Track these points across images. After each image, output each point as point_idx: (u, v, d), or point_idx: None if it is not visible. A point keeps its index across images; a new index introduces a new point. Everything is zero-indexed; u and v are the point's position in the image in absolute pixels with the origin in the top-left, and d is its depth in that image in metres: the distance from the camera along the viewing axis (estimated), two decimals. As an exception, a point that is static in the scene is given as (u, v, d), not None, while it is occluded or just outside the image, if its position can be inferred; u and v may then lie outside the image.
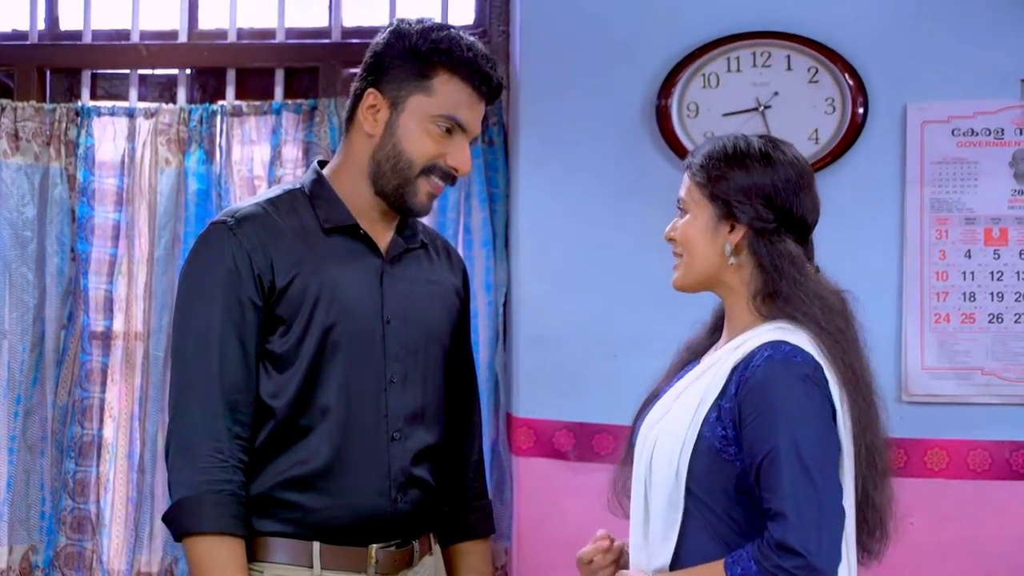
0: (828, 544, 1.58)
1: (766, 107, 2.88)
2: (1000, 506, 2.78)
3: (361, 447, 1.89)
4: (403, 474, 1.92)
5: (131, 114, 3.22)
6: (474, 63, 1.91)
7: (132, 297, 3.19)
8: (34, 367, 3.16)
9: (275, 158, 3.15)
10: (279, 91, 3.27)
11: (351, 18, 3.31)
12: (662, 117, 2.92)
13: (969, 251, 2.82)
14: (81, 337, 3.17)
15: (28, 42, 3.35)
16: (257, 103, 3.20)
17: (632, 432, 1.89)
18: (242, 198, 3.15)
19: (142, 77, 3.35)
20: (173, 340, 1.92)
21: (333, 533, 1.88)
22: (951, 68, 2.84)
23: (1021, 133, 2.82)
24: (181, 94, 3.31)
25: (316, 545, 1.87)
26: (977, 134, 2.82)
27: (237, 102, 3.23)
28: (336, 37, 3.28)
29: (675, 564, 1.69)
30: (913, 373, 2.82)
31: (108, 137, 3.22)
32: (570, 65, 2.99)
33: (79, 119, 3.21)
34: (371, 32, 3.25)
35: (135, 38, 3.32)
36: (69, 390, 3.18)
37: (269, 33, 3.31)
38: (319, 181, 1.98)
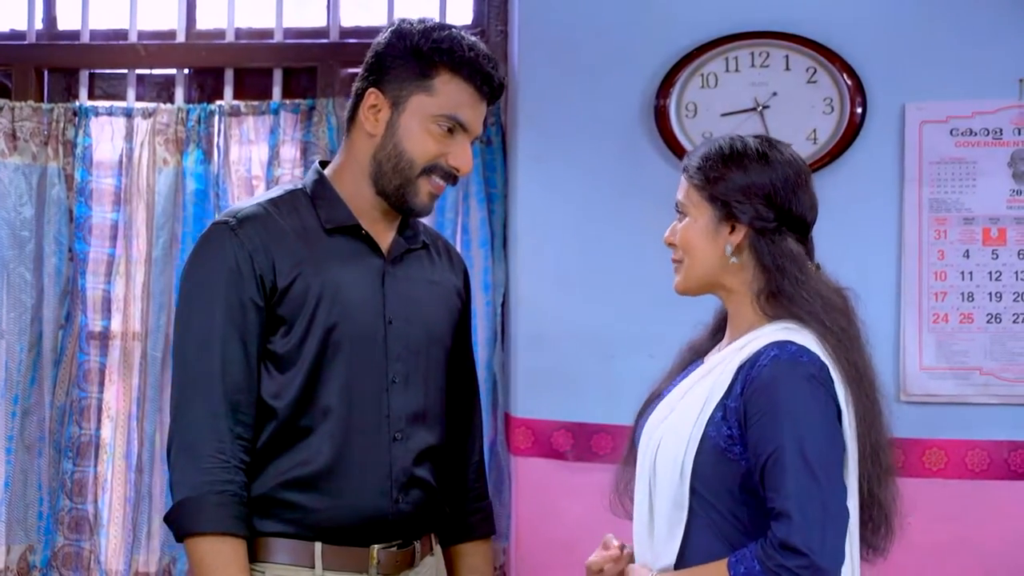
0: (831, 544, 1.58)
1: (764, 107, 2.88)
2: (998, 506, 2.78)
3: (363, 447, 1.89)
4: (405, 474, 1.92)
5: (129, 114, 3.21)
6: (475, 63, 1.90)
7: (130, 297, 3.19)
8: (32, 367, 3.16)
9: (273, 158, 3.15)
10: (277, 91, 3.27)
11: (349, 18, 3.31)
12: (660, 117, 2.92)
13: (967, 251, 2.83)
14: (79, 337, 3.17)
15: (26, 42, 3.35)
16: (255, 103, 3.20)
17: (634, 432, 1.89)
18: (240, 198, 3.15)
19: (140, 77, 3.35)
20: (174, 340, 1.92)
21: (335, 533, 1.88)
22: (949, 68, 2.84)
23: (1019, 133, 2.82)
24: (179, 94, 3.30)
25: (318, 546, 1.87)
26: (975, 134, 2.82)
27: (235, 102, 3.23)
28: (334, 37, 3.28)
29: (680, 563, 1.69)
30: (911, 373, 2.82)
31: (106, 137, 3.22)
32: (568, 65, 2.99)
33: (77, 119, 3.21)
34: (369, 32, 3.28)
35: (133, 38, 3.32)
36: (67, 390, 3.18)
37: (267, 33, 3.31)
38: (321, 181, 1.98)
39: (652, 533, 1.74)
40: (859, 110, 2.84)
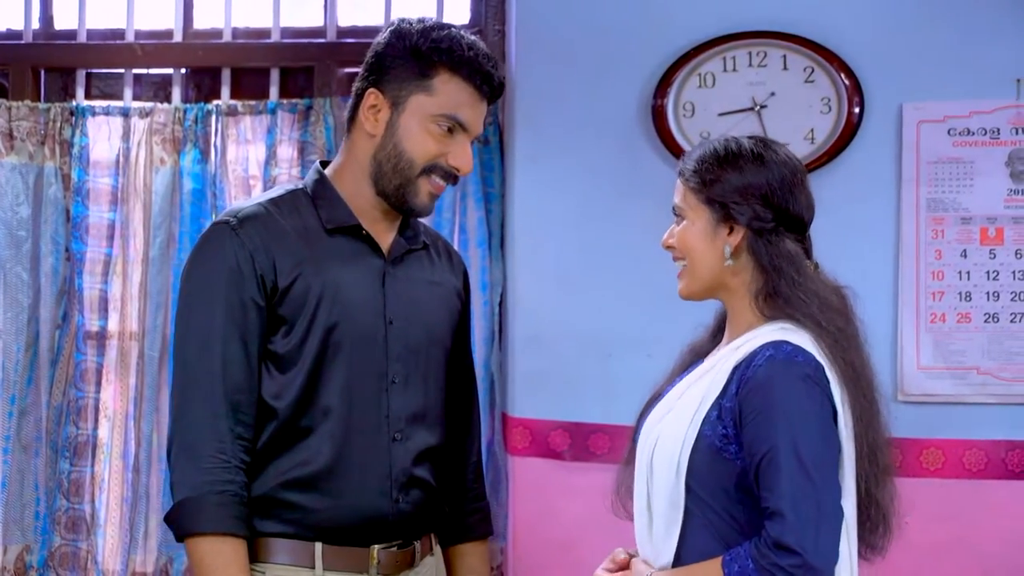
0: (825, 543, 1.59)
1: (762, 107, 2.88)
2: (996, 505, 2.78)
3: (363, 448, 1.89)
4: (404, 475, 1.92)
5: (126, 113, 3.21)
6: (475, 62, 1.90)
7: (127, 297, 3.18)
8: (29, 367, 3.16)
9: (270, 158, 3.15)
10: (274, 91, 3.27)
11: (346, 18, 3.31)
12: (658, 117, 2.92)
13: (965, 251, 2.83)
14: (76, 337, 3.16)
15: (23, 41, 3.34)
16: (252, 103, 3.20)
17: (635, 432, 1.89)
18: (237, 198, 3.14)
19: (137, 76, 3.34)
20: (174, 340, 1.92)
21: (335, 534, 1.88)
22: (947, 68, 2.84)
23: (1017, 133, 2.82)
24: (176, 93, 3.30)
25: (318, 546, 1.87)
26: (973, 134, 2.83)
27: (232, 102, 3.22)
28: (331, 37, 3.28)
29: (677, 562, 1.70)
30: (909, 373, 2.82)
31: (103, 136, 3.22)
32: (566, 65, 2.99)
33: (74, 118, 3.21)
34: (366, 32, 3.29)
35: (130, 37, 3.32)
36: (64, 390, 3.17)
37: (264, 33, 3.31)
38: (321, 181, 1.97)
39: (651, 531, 1.75)
40: (857, 110, 2.84)
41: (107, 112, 3.22)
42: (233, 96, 3.27)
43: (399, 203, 1.94)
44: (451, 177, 1.95)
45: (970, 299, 2.82)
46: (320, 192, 1.96)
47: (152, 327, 3.13)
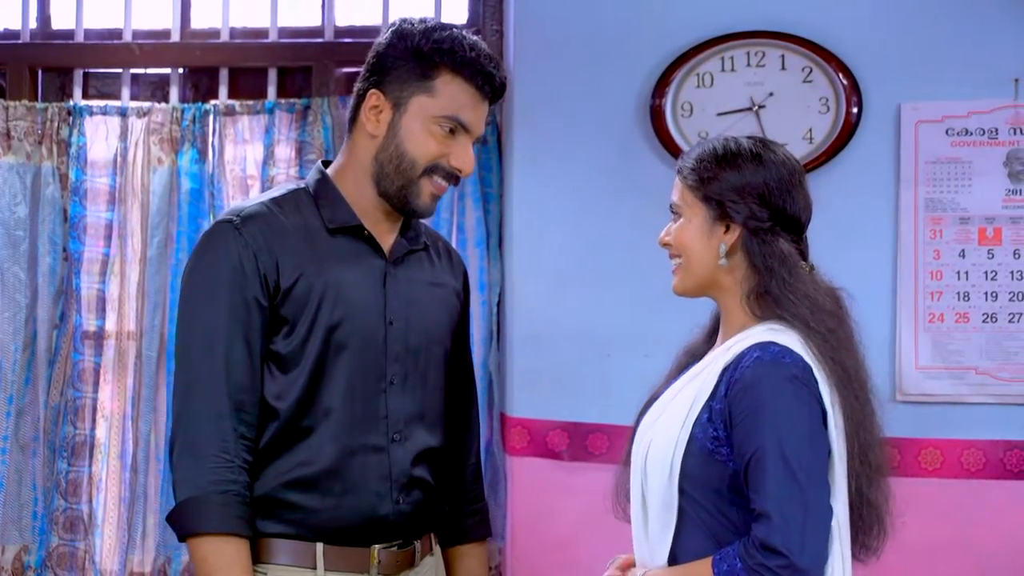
0: (812, 544, 1.59)
1: (760, 107, 2.88)
2: (994, 506, 2.78)
3: (363, 448, 1.89)
4: (404, 475, 1.92)
5: (123, 113, 3.21)
6: (476, 63, 1.90)
7: (124, 297, 3.18)
8: (26, 367, 3.15)
9: (268, 157, 3.14)
10: (272, 90, 3.26)
11: (344, 17, 3.31)
12: (656, 117, 2.92)
13: (963, 251, 2.83)
14: (73, 337, 3.16)
15: (20, 41, 3.34)
16: (250, 102, 3.19)
17: (633, 434, 1.89)
18: (235, 198, 3.14)
19: (134, 76, 3.34)
20: (177, 339, 1.91)
21: (336, 534, 1.88)
22: (945, 68, 2.84)
23: (1015, 133, 2.82)
24: (174, 93, 3.30)
25: (320, 546, 1.87)
26: (971, 134, 2.83)
27: (230, 101, 3.22)
28: (329, 36, 3.28)
29: (672, 562, 1.71)
30: (907, 373, 2.82)
31: (100, 136, 3.21)
32: (564, 65, 2.99)
33: (71, 118, 3.20)
34: (364, 31, 3.28)
35: (127, 37, 3.31)
36: (61, 390, 3.17)
37: (262, 32, 3.31)
38: (323, 181, 1.97)
39: (647, 532, 1.75)
40: (855, 110, 2.84)
41: (104, 112, 3.21)
42: (231, 96, 3.27)
43: (401, 204, 1.93)
44: (452, 178, 1.94)
45: (968, 299, 2.82)
46: (322, 192, 1.96)
47: (150, 327, 3.13)
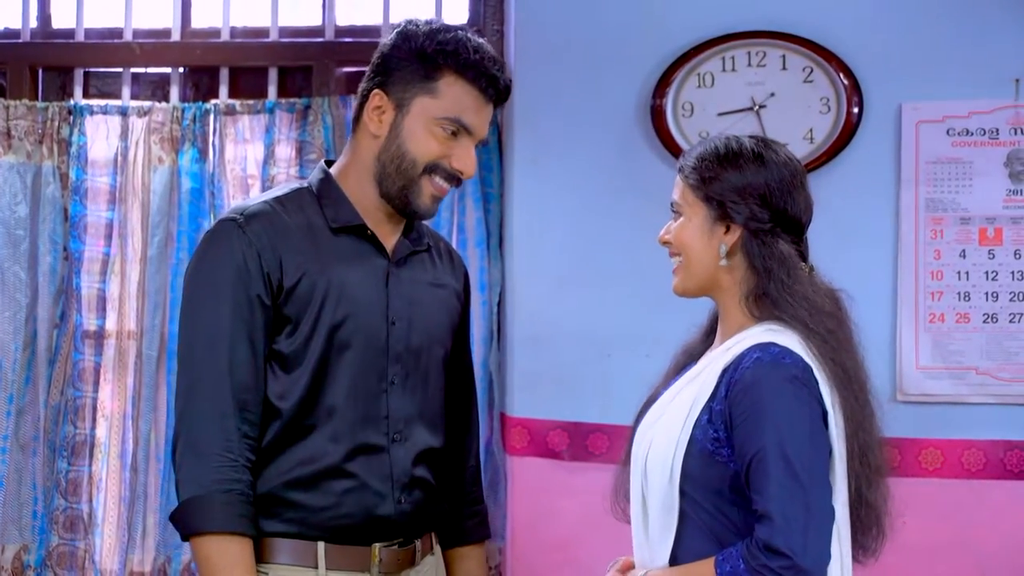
0: (814, 544, 1.59)
1: (761, 107, 2.88)
2: (994, 506, 2.78)
3: (364, 447, 1.89)
4: (406, 475, 1.92)
5: (124, 113, 3.21)
6: (480, 65, 1.89)
7: (125, 296, 3.18)
8: (26, 366, 3.15)
9: (268, 157, 3.14)
10: (272, 90, 3.26)
11: (344, 17, 3.30)
12: (657, 117, 2.91)
13: (964, 251, 2.83)
14: (74, 336, 3.16)
15: (20, 40, 3.34)
16: (250, 102, 3.19)
17: (631, 435, 1.88)
18: (235, 197, 3.14)
19: (135, 76, 3.34)
20: (180, 338, 1.91)
21: (337, 533, 1.88)
22: (946, 68, 2.84)
23: (1016, 133, 2.82)
24: (174, 93, 3.29)
25: (321, 545, 1.87)
26: (972, 134, 2.82)
27: (230, 101, 3.22)
28: (329, 36, 3.27)
29: (673, 563, 1.70)
30: (908, 373, 2.82)
31: (101, 136, 3.21)
32: (564, 65, 2.99)
33: (72, 117, 3.20)
34: (365, 31, 3.28)
35: (128, 36, 3.31)
36: (62, 389, 3.17)
37: (262, 32, 3.31)
38: (327, 180, 1.97)
39: (647, 534, 1.75)
40: (855, 110, 2.84)
41: (105, 111, 3.21)
42: (231, 95, 3.27)
43: (402, 205, 1.93)
44: (454, 179, 1.94)
45: (969, 299, 2.82)
46: (325, 191, 1.96)
47: (150, 326, 3.13)
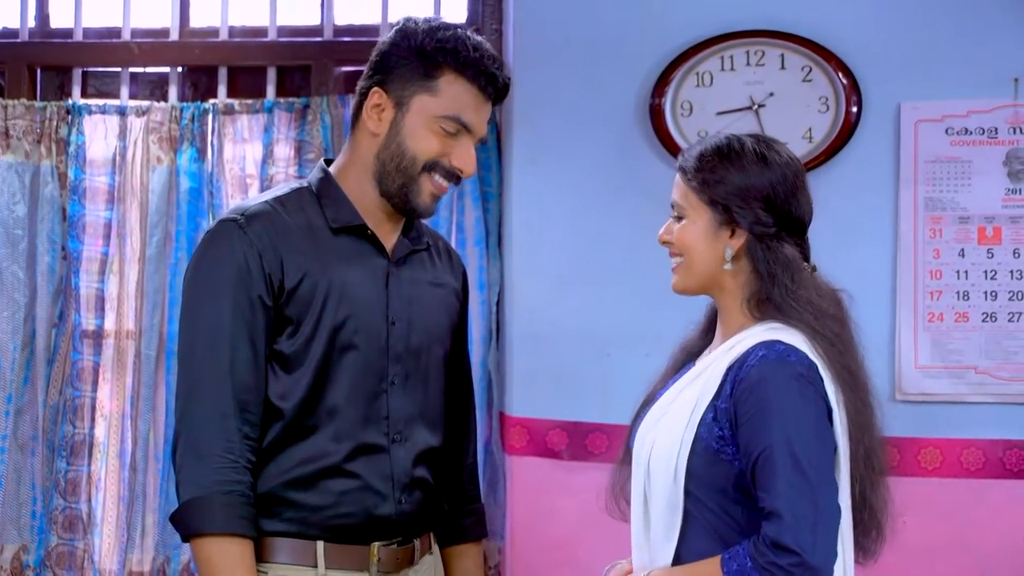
0: (823, 542, 1.59)
1: (760, 106, 2.88)
2: (994, 505, 2.78)
3: (365, 447, 1.89)
4: (406, 475, 1.92)
5: (122, 112, 3.20)
6: (480, 63, 1.89)
7: (123, 296, 3.17)
8: (25, 366, 3.15)
9: (267, 156, 3.14)
10: (271, 89, 3.26)
11: (343, 16, 3.30)
12: (655, 116, 2.91)
13: (963, 250, 2.83)
14: (72, 336, 3.16)
15: (18, 39, 3.33)
16: (249, 101, 3.19)
17: (629, 434, 1.88)
18: (234, 197, 3.14)
19: (133, 75, 3.34)
20: (181, 338, 1.90)
21: (337, 532, 1.87)
22: (945, 67, 2.84)
23: (1015, 132, 2.82)
24: (172, 92, 3.29)
25: (320, 545, 1.87)
26: (971, 133, 2.82)
27: (229, 100, 3.22)
28: (328, 35, 3.27)
29: (676, 564, 1.70)
30: (907, 372, 2.82)
31: (99, 135, 3.20)
32: (563, 64, 2.99)
33: (70, 117, 3.20)
34: (363, 30, 3.28)
35: (126, 36, 3.31)
36: (60, 389, 3.17)
37: (261, 31, 3.30)
38: (326, 179, 1.97)
39: (649, 535, 1.75)
40: (854, 109, 2.84)
41: (103, 111, 3.21)
42: (230, 95, 3.27)
43: (402, 203, 1.93)
44: (453, 177, 1.94)
45: (968, 298, 2.82)
46: (325, 191, 1.95)
47: (149, 326, 3.12)
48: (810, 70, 2.87)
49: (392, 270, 1.95)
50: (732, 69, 2.90)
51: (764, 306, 1.73)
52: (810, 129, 2.86)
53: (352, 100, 2.00)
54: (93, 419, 3.16)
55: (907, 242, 2.84)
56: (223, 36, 3.29)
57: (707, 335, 1.89)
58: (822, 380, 1.67)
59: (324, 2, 3.28)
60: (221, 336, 1.84)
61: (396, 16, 3.14)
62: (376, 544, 1.90)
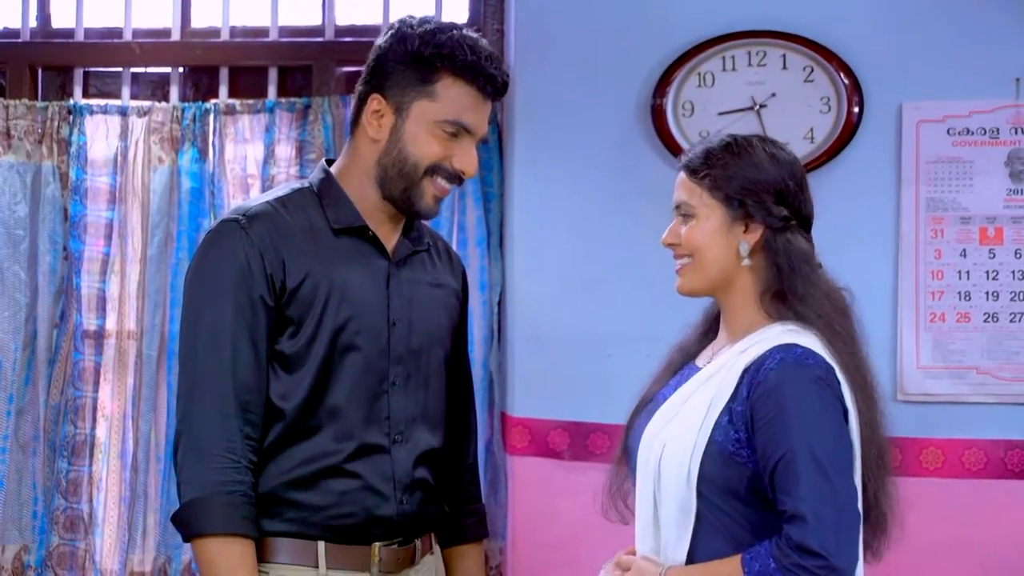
0: (846, 544, 1.59)
1: (761, 106, 2.88)
2: (995, 505, 2.78)
3: (366, 448, 1.89)
4: (407, 476, 1.92)
5: (124, 112, 3.20)
6: (477, 65, 1.89)
7: (125, 296, 3.17)
8: (26, 366, 3.15)
9: (268, 157, 3.14)
10: (272, 89, 3.26)
11: (344, 16, 3.31)
12: (657, 116, 2.91)
13: (964, 250, 2.83)
14: (74, 336, 3.16)
15: (20, 40, 3.34)
16: (250, 101, 3.19)
17: (627, 435, 1.88)
18: (235, 197, 3.14)
19: (135, 75, 3.34)
20: (182, 338, 1.90)
21: (338, 532, 1.87)
22: (946, 67, 2.84)
23: (1016, 132, 2.82)
24: (174, 92, 3.29)
25: (321, 545, 1.87)
26: (972, 133, 2.82)
27: (230, 100, 3.22)
28: (329, 35, 3.27)
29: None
30: (908, 372, 2.82)
31: (101, 135, 3.21)
32: (565, 64, 2.99)
33: (71, 117, 3.20)
34: (364, 30, 3.28)
35: (127, 36, 3.31)
36: (62, 389, 3.17)
37: (262, 31, 3.30)
38: (328, 180, 1.96)
39: (658, 538, 1.73)
40: (856, 109, 2.84)
41: (105, 111, 3.21)
42: (231, 95, 3.27)
43: (405, 207, 1.93)
44: (456, 179, 1.93)
45: (969, 299, 2.82)
46: (327, 191, 1.95)
47: (150, 326, 3.13)
48: (812, 70, 2.87)
49: (393, 271, 1.95)
50: (734, 69, 2.90)
51: (781, 301, 1.72)
52: (812, 129, 2.86)
53: (352, 101, 2.00)
54: (94, 419, 3.17)
55: (909, 242, 2.84)
56: (224, 36, 3.29)
57: (706, 336, 1.88)
58: (839, 383, 1.66)
59: (325, 2, 3.28)
60: (222, 336, 1.83)
61: (397, 16, 3.13)
62: (377, 544, 1.90)
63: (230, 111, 3.18)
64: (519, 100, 3.00)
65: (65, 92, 3.33)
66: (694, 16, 2.93)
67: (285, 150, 3.16)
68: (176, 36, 3.31)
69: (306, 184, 1.98)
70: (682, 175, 1.80)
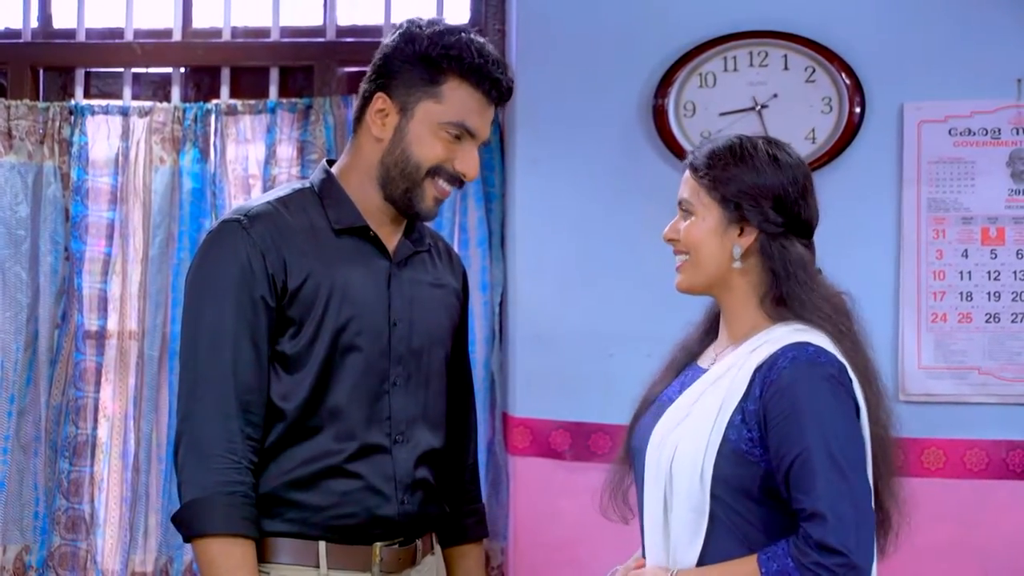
0: (865, 542, 1.59)
1: (763, 107, 2.88)
2: (997, 505, 2.78)
3: (367, 448, 1.89)
4: (408, 476, 1.92)
5: (125, 113, 3.20)
6: (484, 69, 1.89)
7: (126, 296, 3.17)
8: (28, 367, 3.15)
9: (270, 157, 3.14)
10: (274, 90, 3.26)
11: (346, 17, 3.30)
12: (659, 116, 2.91)
13: (966, 251, 2.82)
14: (75, 336, 3.16)
15: (21, 40, 3.34)
16: (252, 102, 3.19)
17: (630, 435, 1.88)
18: (236, 197, 3.14)
19: (136, 76, 3.34)
20: (183, 338, 1.90)
21: (339, 533, 1.87)
22: (948, 68, 2.84)
23: (1018, 133, 2.82)
24: (175, 93, 3.29)
25: (322, 545, 1.87)
26: (974, 134, 2.82)
27: (232, 101, 3.22)
28: (331, 36, 3.27)
29: (700, 566, 1.69)
30: (910, 372, 2.82)
31: (102, 136, 3.21)
32: (566, 64, 2.99)
33: (73, 118, 3.20)
34: (366, 31, 3.28)
35: (129, 36, 3.31)
36: (63, 390, 3.17)
37: (263, 32, 3.30)
38: (329, 180, 1.97)
39: (668, 539, 1.72)
40: (858, 109, 2.84)
41: (106, 111, 3.21)
42: (232, 95, 3.27)
43: (406, 207, 1.93)
44: (456, 181, 1.94)
45: (971, 299, 2.82)
46: (328, 192, 1.95)
47: (151, 327, 3.13)
48: (813, 71, 2.87)
49: (394, 271, 1.95)
50: (735, 70, 2.90)
51: (781, 304, 1.73)
52: (813, 130, 2.86)
53: (355, 101, 2.00)
54: (96, 420, 3.16)
55: (910, 243, 2.84)
56: (226, 36, 3.29)
57: (708, 336, 1.88)
58: (851, 380, 1.67)
59: (327, 2, 3.28)
60: (223, 336, 1.83)
61: (399, 17, 3.13)
62: (378, 544, 1.90)
63: (231, 111, 3.18)
64: (520, 100, 3.00)
65: (66, 92, 3.33)
66: (695, 16, 2.93)
67: (286, 150, 3.16)
68: (177, 36, 3.31)
69: (307, 184, 1.98)
70: (687, 172, 1.81)
